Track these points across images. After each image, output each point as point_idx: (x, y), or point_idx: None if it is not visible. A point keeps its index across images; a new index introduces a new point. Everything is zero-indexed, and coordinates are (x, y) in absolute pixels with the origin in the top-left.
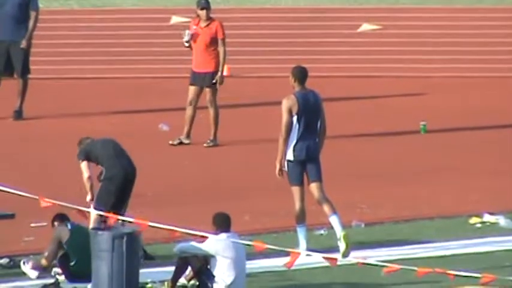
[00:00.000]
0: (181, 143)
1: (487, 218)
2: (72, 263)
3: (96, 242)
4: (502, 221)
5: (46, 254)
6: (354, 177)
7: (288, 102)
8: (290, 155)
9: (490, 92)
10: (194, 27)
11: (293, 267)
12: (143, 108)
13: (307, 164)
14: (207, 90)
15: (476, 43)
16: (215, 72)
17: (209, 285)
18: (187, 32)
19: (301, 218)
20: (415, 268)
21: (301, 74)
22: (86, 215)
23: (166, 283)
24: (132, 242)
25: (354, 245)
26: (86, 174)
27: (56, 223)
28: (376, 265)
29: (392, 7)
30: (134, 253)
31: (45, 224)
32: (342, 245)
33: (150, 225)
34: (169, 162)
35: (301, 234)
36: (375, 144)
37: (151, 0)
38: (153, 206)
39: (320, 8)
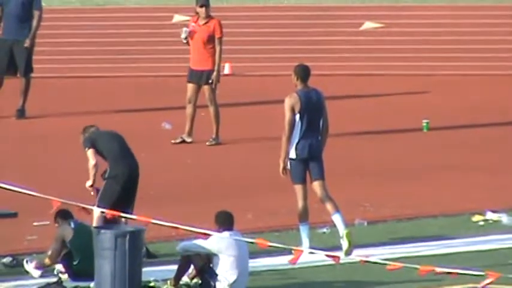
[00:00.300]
0: (183, 141)
1: (490, 215)
2: (75, 262)
3: (99, 241)
4: (504, 218)
5: (49, 253)
6: (356, 176)
7: (291, 101)
8: (292, 153)
9: (492, 90)
10: (193, 24)
11: (296, 265)
12: (146, 107)
13: (309, 162)
14: (206, 88)
15: (478, 41)
16: (212, 71)
17: (212, 283)
18: (184, 29)
19: (304, 216)
20: (418, 266)
21: (303, 72)
22: (89, 211)
23: (169, 281)
24: (135, 240)
25: (356, 243)
26: (92, 161)
27: (59, 220)
28: (379, 263)
29: (395, 5)
30: (137, 252)
31: (47, 222)
32: (344, 243)
33: (153, 223)
34: (171, 160)
35: (304, 232)
36: (378, 142)
37: None
38: (155, 204)
39: (322, 6)
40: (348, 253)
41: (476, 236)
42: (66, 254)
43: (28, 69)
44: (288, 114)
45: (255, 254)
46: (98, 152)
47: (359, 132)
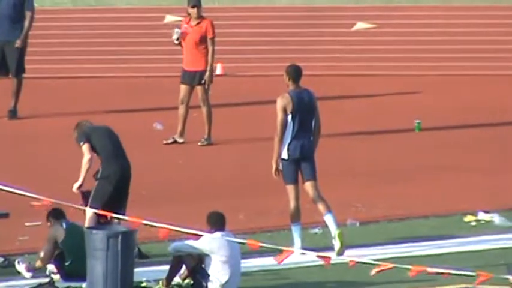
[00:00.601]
0: (175, 141)
1: (482, 216)
2: (67, 263)
3: (91, 241)
4: (496, 219)
5: (42, 254)
6: (348, 176)
7: (283, 101)
8: (284, 154)
9: (484, 90)
10: (185, 25)
11: (288, 266)
12: (137, 107)
13: (301, 163)
14: (198, 88)
15: (470, 41)
16: (205, 71)
17: (204, 284)
18: (176, 30)
19: (295, 216)
20: (409, 267)
21: (295, 73)
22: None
23: (161, 282)
24: (127, 241)
25: (348, 243)
26: (87, 155)
27: (51, 219)
28: (369, 263)
29: (387, 6)
30: (129, 252)
31: (39, 223)
32: (336, 244)
33: (144, 224)
34: (163, 161)
35: (295, 232)
36: (370, 142)
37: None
38: (147, 205)
39: (314, 6)
40: (339, 253)
41: (468, 236)
42: (58, 255)
43: (20, 69)
44: (279, 115)
45: (247, 254)
46: (92, 147)
47: (351, 133)
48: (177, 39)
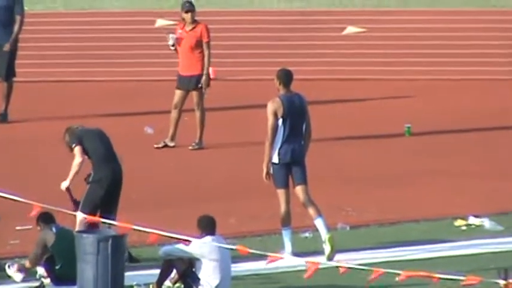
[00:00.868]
0: (166, 145)
1: (472, 220)
2: (57, 266)
3: (81, 245)
4: (487, 223)
5: (30, 256)
6: (339, 180)
7: (273, 105)
8: (275, 158)
9: (475, 95)
10: (180, 31)
11: (279, 270)
12: (128, 111)
13: (292, 167)
14: (194, 93)
15: (461, 46)
16: (201, 75)
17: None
18: (171, 35)
19: (286, 220)
20: (400, 272)
21: (286, 77)
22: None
23: (151, 286)
24: (117, 245)
25: (339, 247)
26: (79, 158)
27: (41, 224)
28: (360, 269)
29: (377, 10)
30: (119, 256)
31: (30, 227)
32: (327, 248)
33: (134, 229)
34: (154, 165)
35: (286, 237)
36: (360, 146)
37: (137, 4)
38: (137, 208)
39: (305, 11)
40: (330, 258)
41: (459, 240)
42: (49, 258)
43: (10, 73)
44: (270, 119)
45: (238, 258)
46: (84, 150)
47: (341, 137)
48: (173, 45)
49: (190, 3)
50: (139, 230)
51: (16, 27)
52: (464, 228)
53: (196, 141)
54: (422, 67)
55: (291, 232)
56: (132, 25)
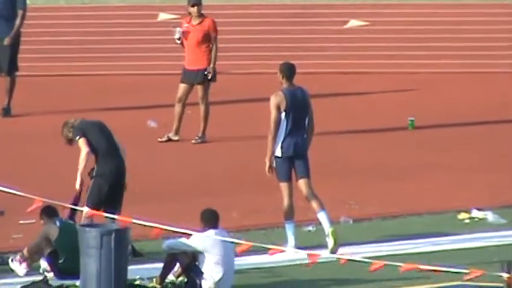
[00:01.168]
0: (169, 139)
1: (475, 213)
2: (60, 260)
3: (84, 239)
4: (490, 216)
5: (30, 245)
6: (342, 174)
7: (276, 99)
8: (278, 152)
9: (477, 88)
10: (186, 25)
11: (281, 264)
12: (131, 105)
13: (295, 161)
14: (199, 87)
15: (464, 39)
16: (207, 70)
17: (198, 281)
18: (177, 29)
19: (289, 214)
20: (401, 264)
21: (289, 71)
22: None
23: (154, 280)
24: (121, 238)
25: (341, 241)
26: (85, 149)
27: (44, 217)
28: (362, 261)
29: (380, 3)
30: (123, 250)
31: (33, 221)
32: (330, 241)
33: (134, 223)
34: (157, 158)
35: (289, 230)
36: (363, 140)
37: None
38: (141, 202)
39: (307, 4)
40: (333, 251)
41: (462, 234)
42: (52, 252)
43: (13, 67)
44: (273, 113)
45: (241, 252)
46: (88, 142)
47: (344, 131)
48: (179, 39)
49: None
50: (139, 224)
51: (18, 21)
52: (467, 221)
53: (200, 135)
54: (426, 60)
55: (294, 226)
56: (135, 19)
